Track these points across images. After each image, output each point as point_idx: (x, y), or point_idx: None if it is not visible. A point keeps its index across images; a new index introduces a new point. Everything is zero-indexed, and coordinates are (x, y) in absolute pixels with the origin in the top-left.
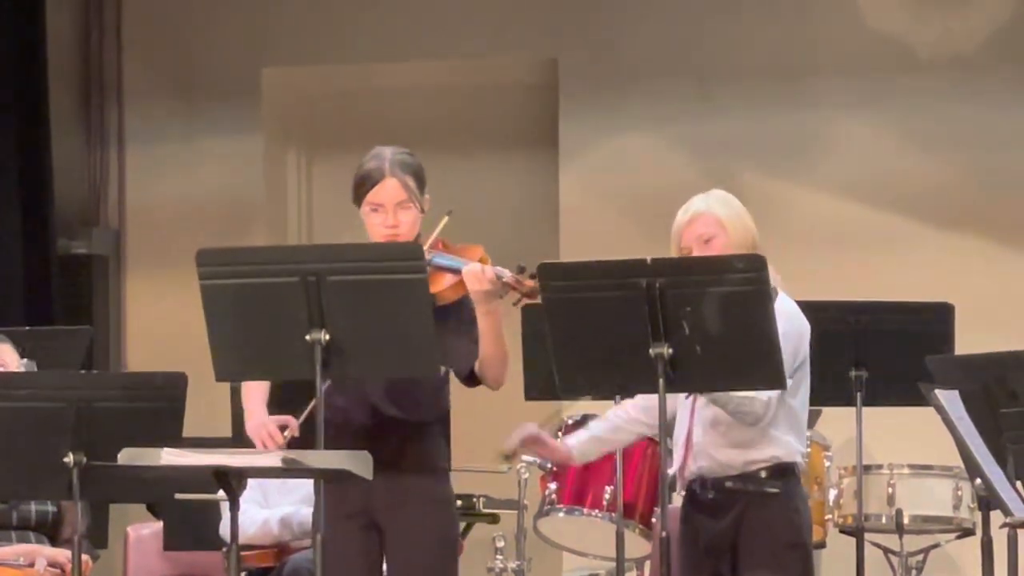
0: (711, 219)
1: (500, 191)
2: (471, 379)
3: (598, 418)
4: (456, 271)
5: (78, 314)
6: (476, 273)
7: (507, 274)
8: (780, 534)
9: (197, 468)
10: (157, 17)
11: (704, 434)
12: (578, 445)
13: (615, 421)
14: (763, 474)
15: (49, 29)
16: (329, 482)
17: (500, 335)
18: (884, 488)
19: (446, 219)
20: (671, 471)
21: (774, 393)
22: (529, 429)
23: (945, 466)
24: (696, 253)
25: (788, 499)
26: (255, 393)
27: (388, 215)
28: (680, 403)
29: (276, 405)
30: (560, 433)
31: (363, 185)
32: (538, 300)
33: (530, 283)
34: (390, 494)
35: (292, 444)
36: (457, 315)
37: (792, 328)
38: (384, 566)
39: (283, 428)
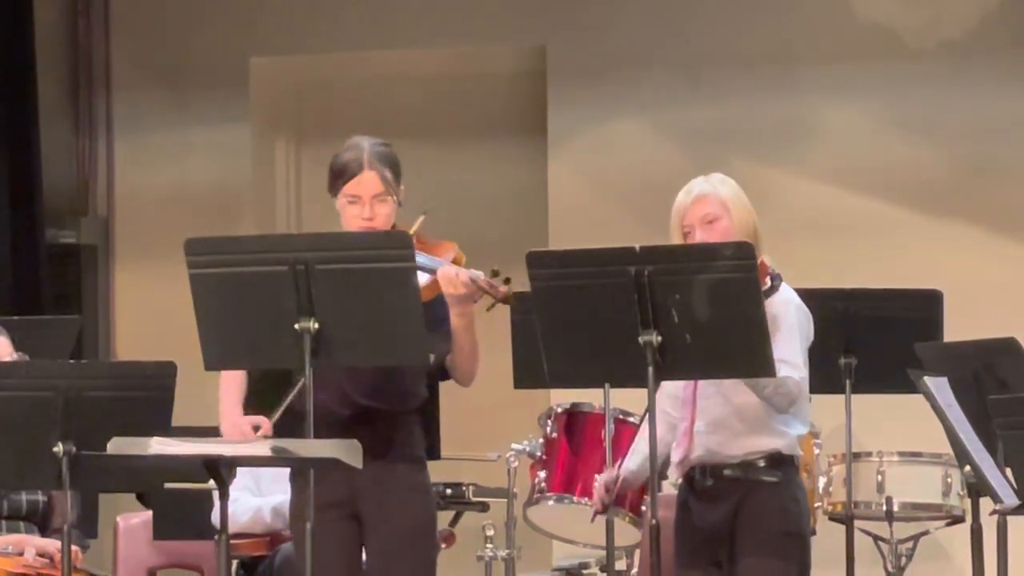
0: (716, 200)
1: (489, 179)
2: (442, 373)
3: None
4: (432, 272)
5: (67, 303)
6: (451, 277)
7: (481, 277)
8: (778, 523)
9: (187, 457)
10: (145, 6)
11: (708, 427)
12: (636, 470)
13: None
14: (761, 463)
15: (37, 18)
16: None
17: (472, 333)
18: (873, 475)
19: (422, 219)
20: (673, 462)
21: (804, 373)
22: (601, 481)
23: (934, 453)
24: (699, 234)
25: (786, 488)
26: (231, 391)
27: (365, 207)
28: (679, 392)
29: (249, 396)
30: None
31: (341, 177)
32: (511, 303)
33: (504, 288)
34: (369, 483)
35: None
36: (431, 312)
37: (803, 315)
38: (364, 555)
39: (256, 428)
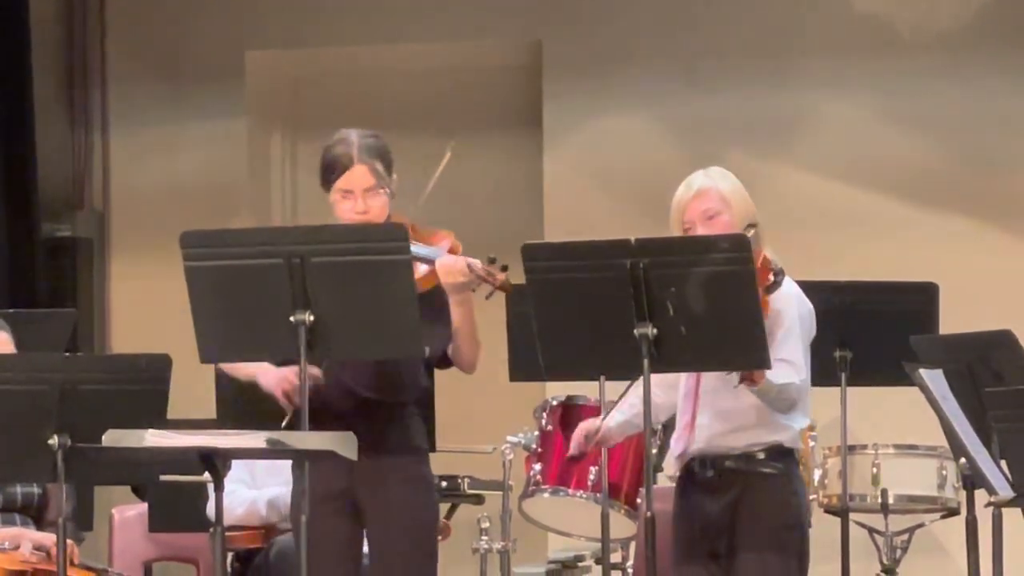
0: (716, 195)
1: (485, 172)
2: (443, 362)
3: (627, 401)
4: (430, 262)
5: (62, 297)
6: (449, 266)
7: (478, 265)
8: (778, 515)
9: (182, 449)
10: (141, 0)
11: (710, 421)
12: (616, 427)
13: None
14: (761, 455)
15: (32, 13)
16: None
17: (472, 322)
18: (869, 468)
19: (448, 155)
20: (673, 455)
21: (805, 376)
22: (583, 428)
23: (930, 446)
24: (700, 229)
25: (786, 480)
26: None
27: (358, 201)
28: (680, 385)
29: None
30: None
31: (331, 171)
32: (509, 291)
33: (501, 276)
34: (370, 475)
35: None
36: (430, 302)
37: (805, 310)
38: (364, 546)
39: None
